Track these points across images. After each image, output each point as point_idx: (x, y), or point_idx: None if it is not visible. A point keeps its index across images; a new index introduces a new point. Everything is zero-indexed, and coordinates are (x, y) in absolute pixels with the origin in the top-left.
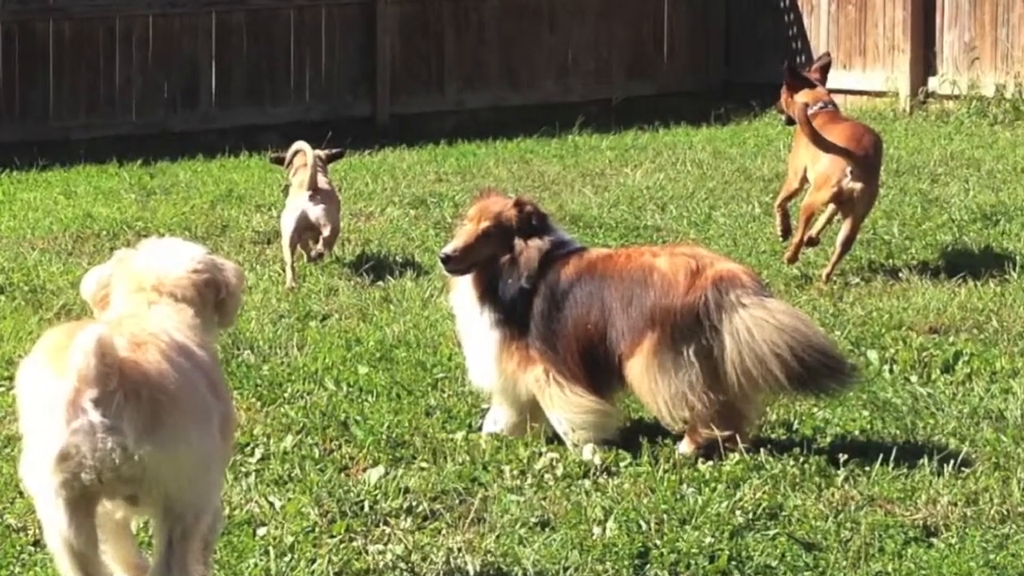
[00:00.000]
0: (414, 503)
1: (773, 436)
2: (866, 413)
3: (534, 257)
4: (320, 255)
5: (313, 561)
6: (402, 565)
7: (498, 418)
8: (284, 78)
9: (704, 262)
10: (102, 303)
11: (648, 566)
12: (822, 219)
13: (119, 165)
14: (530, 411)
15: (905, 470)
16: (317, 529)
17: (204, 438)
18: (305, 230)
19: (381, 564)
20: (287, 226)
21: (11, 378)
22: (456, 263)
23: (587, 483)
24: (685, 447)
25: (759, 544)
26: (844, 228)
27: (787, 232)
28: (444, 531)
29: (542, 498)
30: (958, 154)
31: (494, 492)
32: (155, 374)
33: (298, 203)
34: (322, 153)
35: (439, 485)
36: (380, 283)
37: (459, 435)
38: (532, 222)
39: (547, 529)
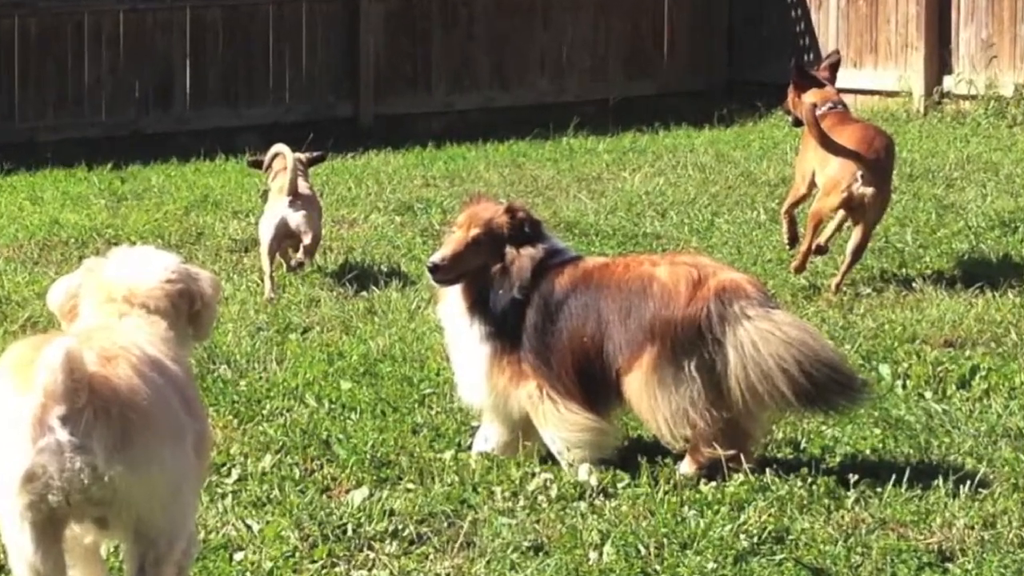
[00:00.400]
0: (400, 526)
1: (779, 456)
2: (878, 431)
3: (527, 266)
4: (301, 264)
5: None
6: None
7: (489, 436)
8: (262, 77)
9: (706, 272)
10: (70, 315)
11: None
12: (831, 226)
13: (88, 169)
14: (523, 429)
15: (919, 491)
16: (297, 554)
17: (178, 458)
18: (285, 238)
19: None
20: (266, 233)
21: None
22: (444, 272)
23: (583, 505)
24: (686, 467)
25: (764, 570)
26: (854, 236)
27: (794, 240)
28: (432, 556)
29: (535, 521)
30: (975, 157)
31: (484, 515)
32: (126, 390)
33: (277, 209)
34: (303, 156)
35: (426, 507)
36: (364, 294)
37: (447, 454)
38: (525, 229)
39: (540, 554)
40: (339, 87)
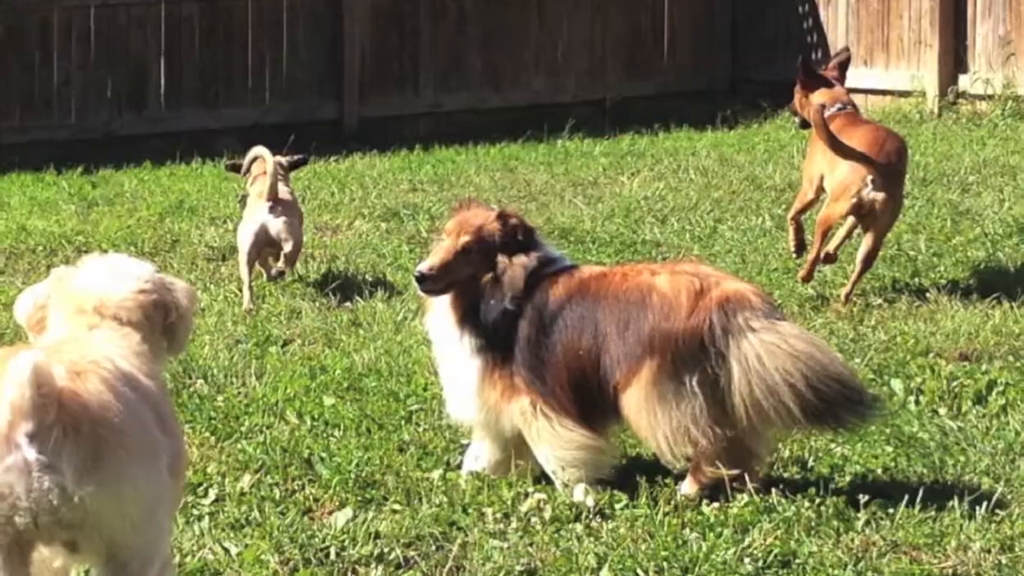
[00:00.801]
0: (386, 549)
1: (786, 475)
2: (889, 449)
3: (519, 276)
4: (281, 273)
5: None
6: None
7: (479, 455)
8: (241, 77)
9: (709, 281)
10: (38, 327)
11: None
12: (840, 233)
13: (57, 173)
14: (515, 447)
15: (933, 513)
16: None
17: (151, 477)
18: (264, 245)
19: None
20: (244, 241)
21: None
22: (433, 282)
23: (579, 527)
24: (688, 487)
25: None
26: (865, 243)
27: (801, 248)
28: None
29: (528, 544)
30: (992, 161)
31: (475, 537)
32: (97, 406)
33: (257, 215)
34: (283, 160)
35: (413, 529)
36: (348, 304)
37: (436, 474)
38: (517, 237)
39: None
40: (322, 87)
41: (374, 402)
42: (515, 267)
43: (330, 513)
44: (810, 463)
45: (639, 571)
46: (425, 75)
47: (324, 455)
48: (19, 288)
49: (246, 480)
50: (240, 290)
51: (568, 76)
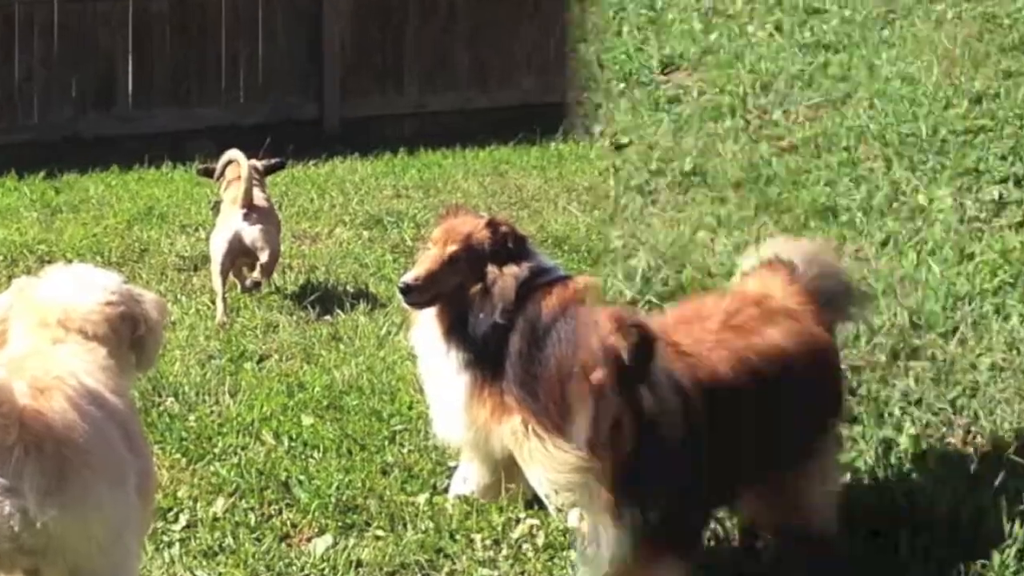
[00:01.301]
0: None
1: None
2: None
3: (510, 287)
4: (257, 284)
5: None
6: None
7: (468, 477)
8: (215, 75)
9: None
10: None
11: None
12: None
13: (18, 177)
14: (506, 469)
15: None
16: None
17: (118, 499)
18: (239, 255)
19: None
20: (218, 250)
21: None
22: (418, 294)
23: (573, 555)
24: None
25: None
26: None
27: None
28: None
29: (520, 573)
30: None
31: (463, 565)
32: (61, 425)
33: (231, 223)
34: (259, 164)
35: (398, 557)
36: (328, 318)
37: (421, 498)
38: (508, 245)
39: None
40: (301, 86)
41: (355, 421)
42: (506, 278)
43: (309, 540)
44: None
45: None
46: (410, 73)
47: (302, 478)
48: None
49: (219, 504)
50: (213, 302)
51: (561, 75)
